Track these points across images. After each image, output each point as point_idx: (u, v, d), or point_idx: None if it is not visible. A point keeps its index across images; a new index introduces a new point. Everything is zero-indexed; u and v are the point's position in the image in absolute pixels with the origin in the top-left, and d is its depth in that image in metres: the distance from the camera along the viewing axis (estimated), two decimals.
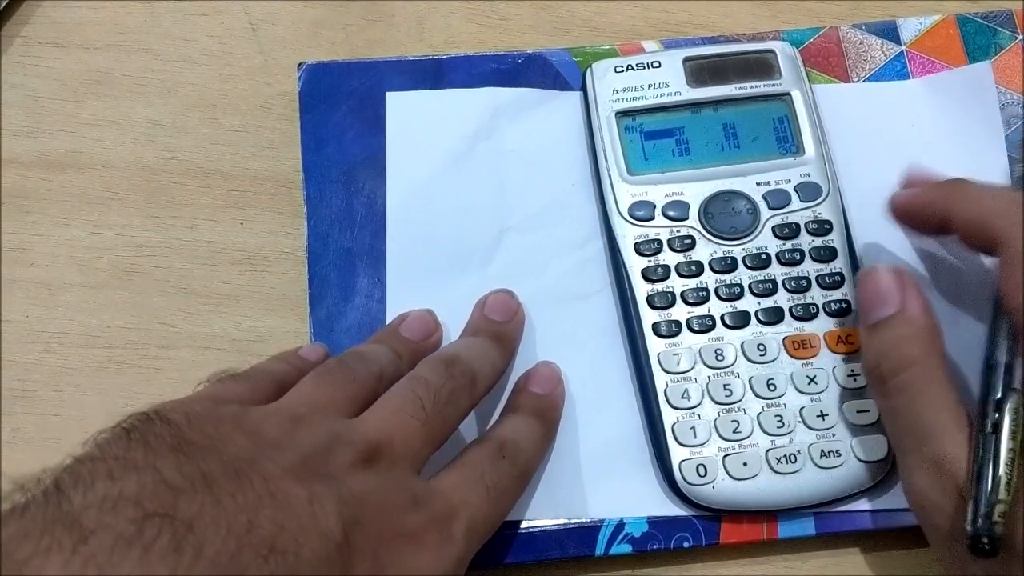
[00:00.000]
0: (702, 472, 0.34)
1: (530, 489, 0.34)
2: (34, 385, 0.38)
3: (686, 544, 0.34)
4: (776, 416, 0.34)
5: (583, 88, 0.40)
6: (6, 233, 0.40)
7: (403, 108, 0.40)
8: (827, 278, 0.36)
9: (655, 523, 0.35)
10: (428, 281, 0.38)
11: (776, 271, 0.36)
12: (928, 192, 0.35)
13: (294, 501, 0.24)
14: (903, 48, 0.42)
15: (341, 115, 0.40)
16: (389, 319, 0.37)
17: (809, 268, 0.36)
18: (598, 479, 0.35)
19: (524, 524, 0.34)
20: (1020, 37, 0.41)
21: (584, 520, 0.35)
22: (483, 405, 0.36)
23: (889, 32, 0.42)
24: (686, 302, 0.36)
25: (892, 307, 0.32)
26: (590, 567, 0.35)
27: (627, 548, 0.34)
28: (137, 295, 0.39)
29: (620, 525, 0.35)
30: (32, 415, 0.37)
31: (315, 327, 0.37)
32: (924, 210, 0.35)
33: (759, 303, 0.36)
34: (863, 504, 0.35)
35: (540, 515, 0.34)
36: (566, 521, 0.34)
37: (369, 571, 0.24)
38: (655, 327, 0.36)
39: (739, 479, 0.34)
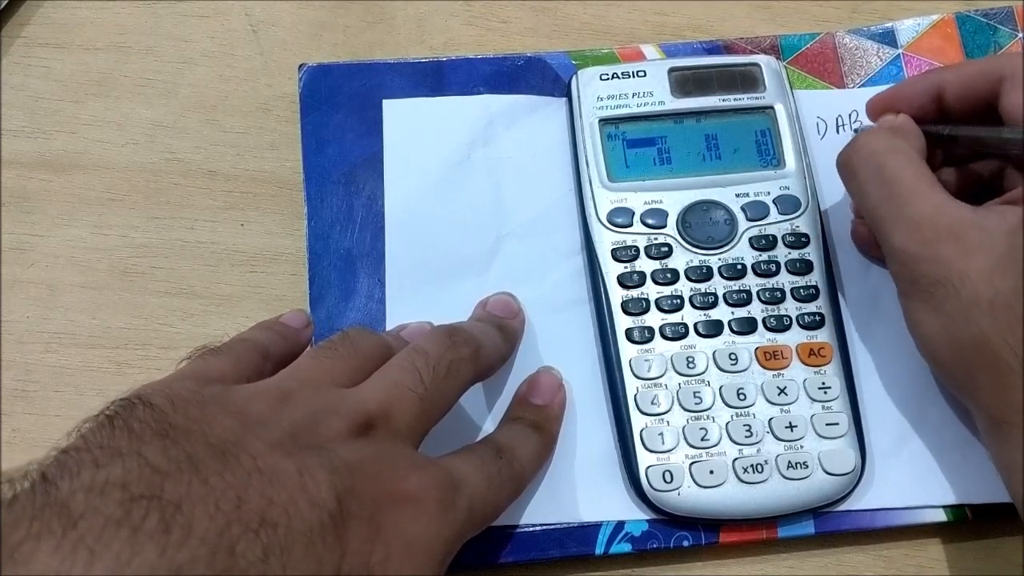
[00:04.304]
0: (668, 478, 0.34)
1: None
2: (34, 385, 0.38)
3: (686, 544, 0.34)
4: (745, 425, 0.35)
5: (568, 94, 0.40)
6: (6, 233, 0.40)
7: (400, 115, 0.40)
8: (802, 291, 0.36)
9: (655, 522, 0.35)
10: (427, 286, 0.38)
11: (751, 282, 0.37)
12: (910, 80, 0.37)
13: (283, 475, 0.24)
14: (899, 51, 0.42)
15: (341, 117, 0.40)
16: (389, 321, 0.37)
17: (784, 280, 0.37)
18: (572, 483, 0.35)
19: (524, 524, 0.34)
20: (1020, 35, 0.42)
21: (574, 521, 0.35)
22: (485, 403, 0.36)
23: (886, 36, 0.42)
24: (660, 309, 0.36)
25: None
26: (590, 567, 0.35)
27: (627, 547, 0.34)
28: (137, 296, 0.39)
29: (620, 524, 0.35)
30: (32, 415, 0.37)
31: (315, 328, 0.37)
32: (911, 92, 0.36)
33: (733, 313, 0.36)
34: (863, 504, 0.35)
35: (515, 518, 0.34)
36: (567, 521, 0.35)
37: (366, 537, 0.24)
38: (628, 333, 0.36)
39: (705, 487, 0.34)
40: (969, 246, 0.30)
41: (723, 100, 0.39)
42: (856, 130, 0.40)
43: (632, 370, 0.35)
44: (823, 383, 0.35)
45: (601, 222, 0.37)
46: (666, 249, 0.37)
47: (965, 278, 0.30)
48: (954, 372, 0.31)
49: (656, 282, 0.36)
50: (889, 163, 0.33)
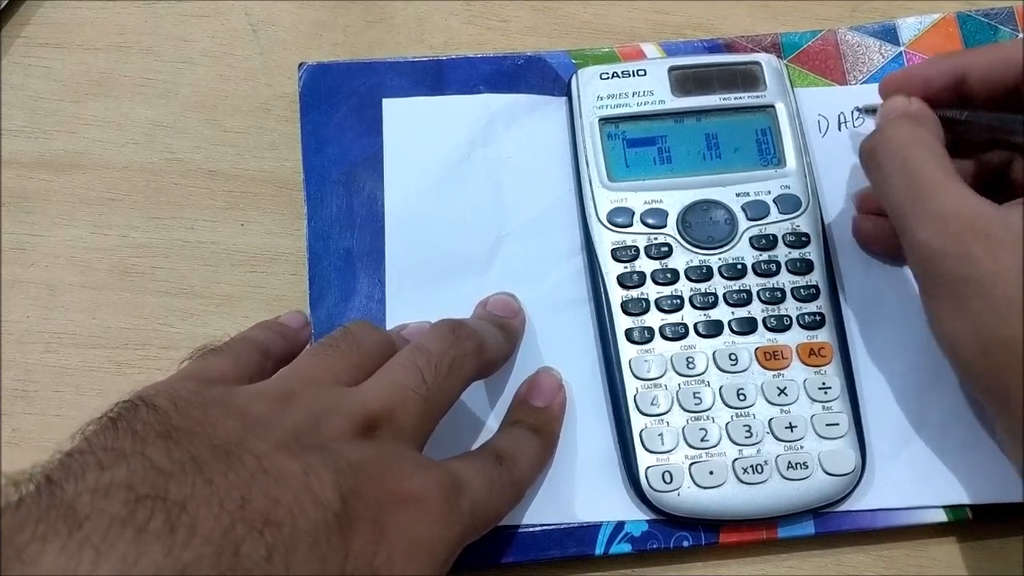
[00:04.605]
0: (668, 479, 0.34)
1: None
2: (34, 385, 0.38)
3: (686, 544, 0.34)
4: (745, 426, 0.35)
5: (568, 94, 0.40)
6: (6, 233, 0.40)
7: (400, 114, 0.40)
8: (802, 290, 0.36)
9: (655, 523, 0.35)
10: (427, 286, 0.38)
11: (751, 281, 0.36)
12: (931, 61, 0.35)
13: (287, 475, 0.24)
14: (902, 49, 0.42)
15: (341, 116, 0.40)
16: (389, 321, 0.37)
17: (785, 280, 0.36)
18: (572, 484, 0.35)
19: (524, 524, 0.34)
20: (1021, 35, 0.42)
21: (574, 522, 0.35)
22: (486, 403, 0.36)
23: (888, 33, 0.42)
24: (660, 309, 0.36)
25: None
26: (590, 567, 0.35)
27: (627, 548, 0.34)
28: (137, 296, 0.39)
29: (620, 525, 0.35)
30: (32, 415, 0.37)
31: (316, 328, 0.37)
32: (931, 72, 0.35)
33: (733, 313, 0.36)
34: (863, 504, 0.35)
35: (516, 519, 0.34)
36: (567, 521, 0.34)
37: (370, 538, 0.24)
38: (628, 333, 0.36)
39: (705, 487, 0.34)
40: (996, 243, 0.29)
41: (723, 99, 0.39)
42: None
43: (632, 370, 0.35)
44: (823, 383, 0.35)
45: (601, 222, 0.37)
46: (666, 249, 0.37)
47: (995, 277, 0.29)
48: (981, 374, 0.30)
49: (656, 282, 0.36)
50: (914, 155, 0.32)
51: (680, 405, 0.35)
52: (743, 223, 0.37)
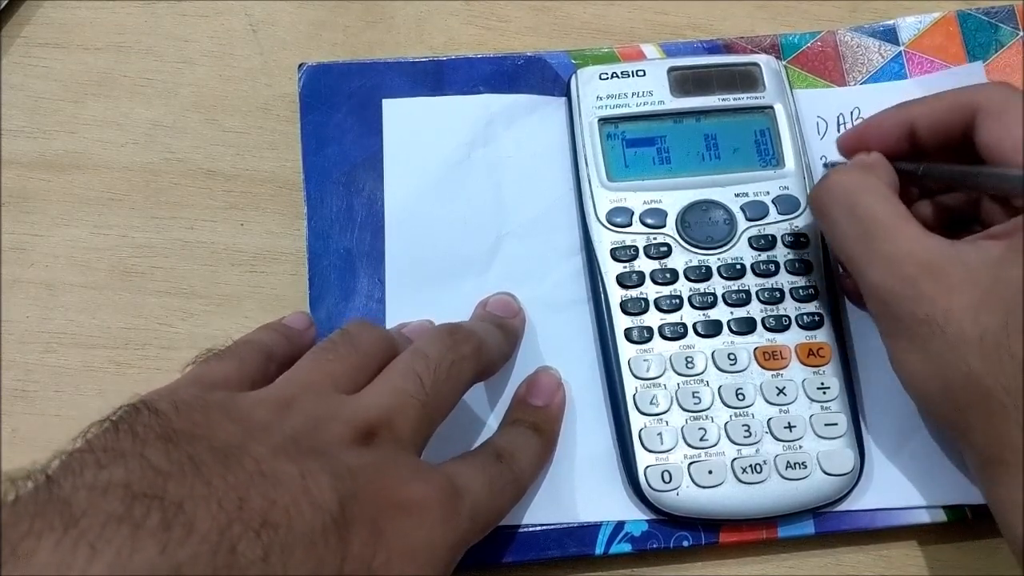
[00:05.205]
0: (667, 478, 0.34)
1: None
2: (34, 385, 0.38)
3: (686, 544, 0.34)
4: (743, 426, 0.35)
5: (567, 94, 0.40)
6: (6, 233, 0.40)
7: (400, 114, 0.40)
8: (801, 291, 0.36)
9: (655, 522, 0.35)
10: (427, 286, 0.38)
11: (750, 282, 0.36)
12: (880, 115, 0.35)
13: (286, 478, 0.24)
14: (901, 49, 0.42)
15: (341, 116, 0.40)
16: (389, 321, 0.37)
17: (783, 280, 0.36)
18: (572, 483, 0.35)
19: (524, 524, 0.34)
20: (1021, 33, 0.42)
21: (574, 521, 0.35)
22: (486, 403, 0.36)
23: (887, 34, 0.42)
24: (659, 309, 0.36)
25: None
26: (590, 567, 0.35)
27: (627, 547, 0.34)
28: (137, 296, 0.39)
29: (620, 525, 0.35)
30: (32, 415, 0.37)
31: (316, 329, 0.37)
32: (882, 128, 0.35)
33: (732, 313, 0.36)
34: (863, 504, 0.35)
35: (515, 519, 0.34)
36: (566, 521, 0.34)
37: (368, 541, 0.24)
38: (627, 332, 0.36)
39: (703, 487, 0.34)
40: (950, 282, 0.29)
41: (722, 100, 0.39)
42: (826, 165, 0.39)
43: (631, 370, 0.35)
44: (822, 383, 0.35)
45: (600, 222, 0.37)
46: (665, 249, 0.37)
47: (950, 315, 0.29)
48: (943, 411, 0.30)
49: (655, 282, 0.36)
50: (862, 200, 0.32)
51: (679, 404, 0.35)
52: (742, 223, 0.37)
